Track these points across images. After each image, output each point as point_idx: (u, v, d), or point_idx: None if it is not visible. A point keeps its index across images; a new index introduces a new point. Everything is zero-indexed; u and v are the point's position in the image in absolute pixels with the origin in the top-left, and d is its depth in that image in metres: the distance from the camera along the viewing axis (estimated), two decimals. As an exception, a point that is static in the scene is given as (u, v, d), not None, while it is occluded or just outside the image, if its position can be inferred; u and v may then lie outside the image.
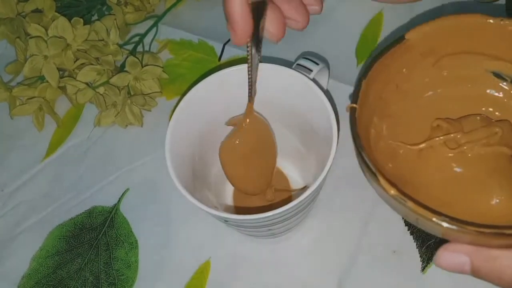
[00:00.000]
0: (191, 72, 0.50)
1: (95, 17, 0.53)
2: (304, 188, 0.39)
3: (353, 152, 0.43)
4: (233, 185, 0.40)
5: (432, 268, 0.38)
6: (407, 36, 0.35)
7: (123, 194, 0.45)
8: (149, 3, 0.53)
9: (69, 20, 0.47)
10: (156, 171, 0.45)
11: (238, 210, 0.41)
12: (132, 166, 0.46)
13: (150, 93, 0.48)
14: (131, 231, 0.43)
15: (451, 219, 0.27)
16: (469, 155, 0.36)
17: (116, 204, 0.44)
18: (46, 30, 0.47)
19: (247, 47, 0.33)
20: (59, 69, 0.47)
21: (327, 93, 0.36)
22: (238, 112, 0.39)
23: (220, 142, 0.39)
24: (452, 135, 0.37)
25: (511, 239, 0.27)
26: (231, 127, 0.40)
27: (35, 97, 0.48)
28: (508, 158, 0.35)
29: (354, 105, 0.32)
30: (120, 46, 0.50)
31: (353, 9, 0.52)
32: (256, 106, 0.38)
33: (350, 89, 0.46)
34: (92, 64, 0.47)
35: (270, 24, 0.34)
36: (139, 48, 0.51)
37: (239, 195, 0.41)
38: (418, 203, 0.29)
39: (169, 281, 0.40)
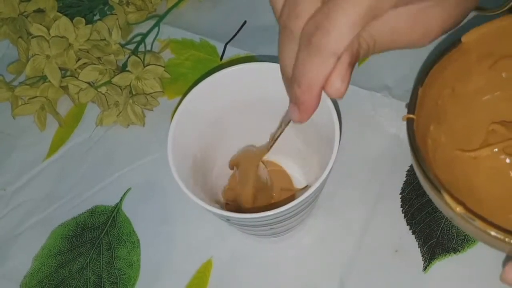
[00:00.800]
0: (193, 72, 0.50)
1: (97, 16, 0.53)
2: (306, 188, 0.40)
3: (354, 151, 0.43)
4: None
5: (433, 268, 0.38)
6: (463, 39, 0.34)
7: (125, 194, 0.45)
8: (151, 2, 0.53)
9: (71, 19, 0.48)
10: (158, 170, 0.45)
11: (238, 209, 0.41)
12: (134, 165, 0.46)
13: (152, 93, 0.48)
14: (133, 230, 0.43)
15: None
16: None
17: (118, 203, 0.44)
18: (48, 30, 0.47)
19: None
20: (61, 69, 0.48)
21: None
22: (240, 111, 0.39)
23: (221, 141, 0.39)
24: (508, 141, 0.36)
25: None
26: (232, 127, 0.40)
27: (37, 96, 0.48)
28: None
29: (412, 115, 0.31)
30: (122, 45, 0.50)
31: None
32: (258, 105, 0.38)
33: (352, 88, 0.46)
34: (94, 64, 0.47)
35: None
36: (141, 48, 0.51)
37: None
38: (487, 221, 0.27)
39: (171, 280, 0.40)
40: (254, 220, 0.32)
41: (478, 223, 0.28)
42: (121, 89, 0.46)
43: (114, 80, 0.46)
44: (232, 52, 0.51)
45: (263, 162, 0.41)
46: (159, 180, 0.45)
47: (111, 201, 0.44)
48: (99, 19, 0.50)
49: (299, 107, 0.28)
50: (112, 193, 0.45)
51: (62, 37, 0.47)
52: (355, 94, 0.46)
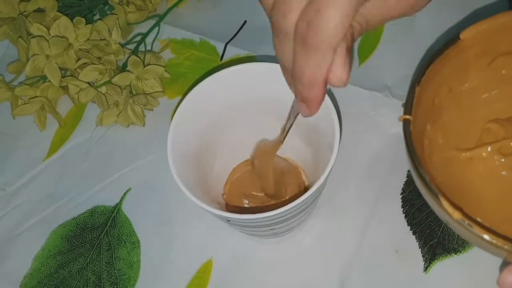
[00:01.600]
0: (193, 72, 0.50)
1: (97, 16, 0.53)
2: (307, 187, 0.40)
3: (355, 151, 0.43)
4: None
5: (434, 268, 0.38)
6: (462, 36, 0.33)
7: (125, 194, 0.45)
8: (151, 2, 0.53)
9: (71, 19, 0.47)
10: (158, 170, 0.45)
11: (238, 209, 0.41)
12: (134, 165, 0.46)
13: (152, 93, 0.48)
14: (133, 231, 0.43)
15: None
16: None
17: (118, 203, 0.44)
18: (48, 29, 0.47)
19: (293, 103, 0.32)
20: (61, 69, 0.48)
21: (329, 91, 0.35)
22: (240, 111, 0.38)
23: (221, 141, 0.39)
24: (503, 141, 0.35)
25: None
26: (232, 128, 0.39)
27: (37, 96, 0.48)
28: None
29: (408, 116, 0.31)
30: (122, 45, 0.50)
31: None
32: (258, 105, 0.38)
33: (352, 88, 0.46)
34: (94, 64, 0.47)
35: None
36: (141, 48, 0.51)
37: (238, 195, 0.41)
38: (485, 228, 0.27)
39: (171, 281, 0.40)
40: (254, 221, 0.32)
41: (476, 229, 0.27)
42: (121, 89, 0.46)
43: (114, 80, 0.46)
44: (232, 52, 0.50)
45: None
46: (159, 180, 0.45)
47: (111, 201, 0.44)
48: (99, 19, 0.50)
49: (306, 103, 0.28)
50: (112, 193, 0.45)
51: (62, 37, 0.47)
52: (355, 94, 0.46)
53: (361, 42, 0.49)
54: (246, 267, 0.40)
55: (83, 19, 0.48)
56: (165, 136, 0.35)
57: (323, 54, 0.25)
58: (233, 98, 0.38)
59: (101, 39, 0.49)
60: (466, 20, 0.48)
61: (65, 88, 0.48)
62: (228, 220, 0.34)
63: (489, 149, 0.36)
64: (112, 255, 0.42)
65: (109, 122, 0.47)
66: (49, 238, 0.44)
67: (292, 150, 0.41)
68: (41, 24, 0.48)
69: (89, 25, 0.48)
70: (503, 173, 0.36)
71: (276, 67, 0.36)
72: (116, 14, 0.50)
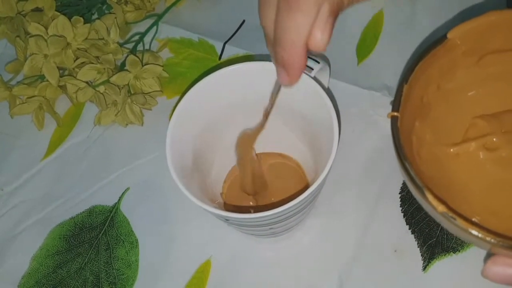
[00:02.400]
0: (192, 71, 0.50)
1: (95, 15, 0.52)
2: (307, 186, 0.39)
3: (353, 150, 0.43)
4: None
5: (433, 267, 0.38)
6: (449, 35, 0.33)
7: (123, 193, 0.45)
8: (149, 1, 0.53)
9: (69, 18, 0.47)
10: (156, 170, 0.45)
11: (237, 209, 0.41)
12: (132, 165, 0.46)
13: (151, 92, 0.48)
14: (131, 230, 0.43)
15: (506, 239, 0.26)
16: (510, 156, 0.36)
17: (116, 203, 0.44)
18: (46, 29, 0.47)
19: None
20: (59, 68, 0.47)
21: (328, 91, 0.35)
22: (238, 110, 0.38)
23: (220, 141, 0.39)
24: (488, 136, 0.36)
25: None
26: (231, 127, 0.39)
27: (35, 96, 0.47)
28: None
29: (396, 113, 0.31)
30: (120, 45, 0.50)
31: (353, 7, 0.51)
32: (257, 105, 0.38)
33: (351, 88, 0.46)
34: (92, 63, 0.47)
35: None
36: (139, 47, 0.50)
37: (237, 194, 0.41)
38: (469, 220, 0.28)
39: (170, 281, 0.40)
40: (253, 220, 0.32)
41: (460, 222, 0.28)
42: (119, 88, 0.46)
43: (112, 79, 0.46)
44: (231, 51, 0.50)
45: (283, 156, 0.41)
46: (157, 180, 0.45)
47: (110, 201, 0.44)
48: (97, 18, 0.50)
49: (286, 69, 0.27)
50: (110, 193, 0.45)
51: (60, 36, 0.47)
52: (354, 94, 0.46)
53: (359, 42, 0.49)
54: (245, 266, 0.40)
55: (81, 18, 0.48)
56: (163, 136, 0.34)
57: (304, 14, 0.24)
58: (231, 98, 0.38)
59: (99, 39, 0.48)
60: (466, 19, 0.48)
61: (63, 88, 0.48)
62: (227, 220, 0.34)
63: (474, 144, 0.37)
64: (111, 255, 0.42)
65: (107, 122, 0.47)
66: (47, 238, 0.43)
67: (292, 149, 0.41)
68: (39, 23, 0.47)
69: (87, 25, 0.48)
70: (489, 167, 0.37)
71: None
72: (114, 13, 0.50)
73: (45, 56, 0.47)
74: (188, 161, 0.36)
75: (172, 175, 0.33)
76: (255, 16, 0.52)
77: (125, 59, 0.48)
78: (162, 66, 0.48)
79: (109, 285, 0.41)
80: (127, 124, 0.47)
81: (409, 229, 0.40)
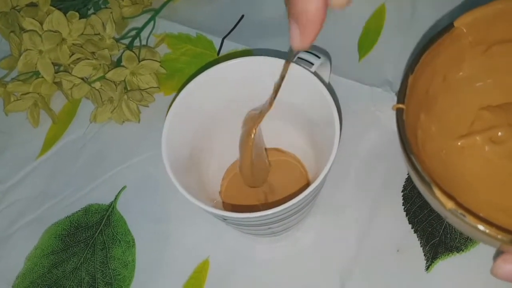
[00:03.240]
0: (190, 67, 0.49)
1: (91, 11, 0.52)
2: (308, 183, 0.39)
3: (355, 147, 0.42)
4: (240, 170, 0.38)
5: (436, 267, 0.38)
6: (456, 24, 0.32)
7: (119, 192, 0.44)
8: (146, -4, 0.52)
9: (65, 14, 0.47)
10: (153, 168, 0.44)
11: (236, 207, 0.40)
12: (129, 163, 0.45)
13: (148, 88, 0.47)
14: (128, 230, 0.42)
15: None
16: None
17: (112, 202, 0.43)
18: (41, 24, 0.46)
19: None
20: (54, 64, 0.47)
21: (328, 87, 0.35)
22: (236, 106, 0.38)
23: (218, 138, 0.38)
24: (494, 129, 0.35)
25: None
26: (229, 123, 0.39)
27: (30, 92, 0.47)
28: None
29: (401, 105, 0.30)
30: (117, 40, 0.49)
31: (355, 1, 0.51)
32: (255, 100, 0.37)
33: (352, 83, 0.45)
34: (88, 59, 0.46)
35: None
36: (136, 42, 0.50)
37: (236, 193, 0.40)
38: (479, 217, 0.27)
39: (167, 281, 0.40)
40: (251, 219, 0.31)
41: (470, 219, 0.27)
42: (115, 85, 0.45)
43: (108, 75, 0.45)
44: (229, 46, 0.50)
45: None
46: (155, 178, 0.44)
47: (106, 200, 0.44)
48: (93, 13, 0.49)
49: (300, 25, 0.25)
50: (106, 192, 0.44)
51: (55, 31, 0.46)
52: (355, 90, 0.45)
53: (361, 37, 0.48)
54: (244, 266, 0.39)
55: (77, 14, 0.47)
56: (160, 133, 0.34)
57: None
58: (229, 93, 0.37)
59: (95, 34, 0.48)
60: (460, 6, 0.48)
61: (58, 84, 0.47)
62: (225, 219, 0.33)
63: (480, 137, 0.36)
64: (107, 254, 0.41)
65: (103, 119, 0.46)
66: (42, 237, 0.43)
67: (292, 146, 0.41)
68: (34, 18, 0.47)
69: (83, 20, 0.47)
70: (495, 161, 0.36)
71: (275, 61, 0.36)
72: (110, 8, 0.49)
73: (40, 52, 0.46)
74: (185, 159, 0.35)
75: (168, 173, 0.32)
76: (254, 11, 0.52)
77: (121, 55, 0.47)
78: (160, 62, 0.48)
79: (105, 285, 0.40)
80: (123, 121, 0.46)
81: (412, 228, 0.39)
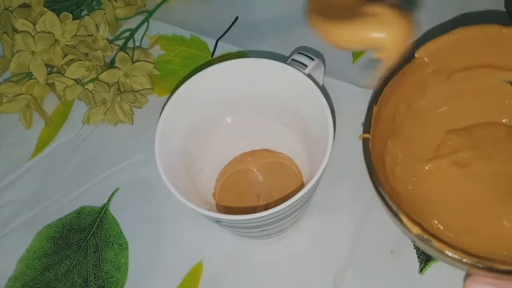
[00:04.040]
0: (183, 68, 0.49)
1: (85, 12, 0.51)
2: (302, 185, 0.39)
3: (349, 150, 0.42)
4: None
5: (430, 269, 0.38)
6: (417, 54, 0.34)
7: (112, 194, 0.44)
8: (140, -3, 0.52)
9: (58, 15, 0.46)
10: (146, 170, 0.44)
11: (230, 209, 0.40)
12: (122, 165, 0.45)
13: (141, 90, 0.47)
14: (120, 232, 0.42)
15: (483, 259, 0.27)
16: (481, 173, 0.36)
17: (105, 204, 0.43)
18: (34, 25, 0.46)
19: None
20: (47, 65, 0.46)
21: (322, 88, 0.35)
22: (230, 108, 0.38)
23: (211, 140, 0.38)
24: (459, 152, 0.36)
25: None
26: (222, 125, 0.39)
27: (22, 94, 0.47)
28: None
29: (367, 135, 0.31)
30: (110, 41, 0.49)
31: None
32: (249, 102, 0.37)
33: (346, 86, 0.45)
34: (81, 60, 0.46)
35: None
36: (130, 44, 0.49)
37: (229, 195, 0.40)
38: (445, 242, 0.28)
39: (160, 283, 0.39)
40: (245, 221, 0.31)
41: (435, 243, 0.28)
42: (108, 86, 0.45)
43: (102, 76, 0.45)
44: (223, 48, 0.49)
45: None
46: (148, 180, 0.44)
47: (98, 202, 0.43)
48: (87, 14, 0.49)
49: None
50: (99, 194, 0.44)
51: (48, 32, 0.46)
52: (349, 92, 0.45)
53: (355, 39, 0.48)
54: (238, 269, 0.39)
55: (70, 15, 0.47)
56: (154, 135, 0.34)
57: None
58: (223, 95, 0.37)
59: (88, 35, 0.48)
60: (461, 16, 0.48)
61: (51, 85, 0.47)
62: (219, 221, 0.33)
63: (446, 160, 0.37)
64: (99, 257, 0.41)
65: (96, 120, 0.46)
66: (35, 239, 0.42)
67: (287, 147, 0.41)
68: (26, 19, 0.46)
69: (76, 21, 0.47)
70: (461, 183, 0.37)
71: (269, 62, 0.36)
72: (104, 9, 0.49)
73: (33, 53, 0.46)
74: (178, 161, 0.35)
75: (161, 175, 0.32)
76: (248, 13, 0.52)
77: (115, 56, 0.47)
78: (153, 63, 0.48)
79: (97, 288, 0.40)
80: (116, 123, 0.46)
81: (406, 230, 0.39)
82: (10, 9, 0.49)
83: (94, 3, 0.52)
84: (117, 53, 0.46)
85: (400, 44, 0.29)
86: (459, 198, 0.36)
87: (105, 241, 0.41)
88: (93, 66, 0.46)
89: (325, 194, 0.40)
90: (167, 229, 0.41)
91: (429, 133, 0.37)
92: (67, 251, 0.42)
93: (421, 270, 0.38)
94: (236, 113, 0.38)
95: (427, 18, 0.47)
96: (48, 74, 0.46)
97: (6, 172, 0.46)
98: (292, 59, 0.37)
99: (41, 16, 0.46)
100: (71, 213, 0.43)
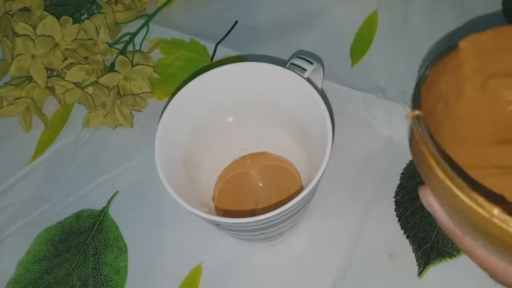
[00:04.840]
0: (183, 72, 0.49)
1: (85, 16, 0.52)
2: (301, 189, 0.39)
3: (347, 153, 0.42)
4: None
5: (429, 272, 0.38)
6: (460, 45, 0.29)
7: (112, 197, 0.44)
8: (140, 1, 0.52)
9: (58, 18, 0.46)
10: (146, 173, 0.44)
11: (229, 212, 0.40)
12: (121, 168, 0.45)
13: (141, 93, 0.47)
14: (120, 235, 0.42)
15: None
16: None
17: (105, 207, 0.43)
18: (34, 28, 0.46)
19: None
20: (47, 69, 0.46)
21: (321, 92, 0.35)
22: (229, 112, 0.38)
23: (210, 143, 0.38)
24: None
25: None
26: (221, 128, 0.39)
27: (22, 97, 0.47)
28: None
29: (418, 111, 0.26)
30: (110, 45, 0.49)
31: (347, 8, 0.51)
32: (248, 105, 0.37)
33: (345, 89, 0.45)
34: (81, 64, 0.46)
35: None
36: (130, 48, 0.50)
37: (229, 198, 0.40)
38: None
39: (159, 287, 0.39)
40: (244, 225, 0.31)
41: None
42: (108, 90, 0.45)
43: (101, 80, 0.45)
44: (223, 52, 0.50)
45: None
46: (147, 183, 0.44)
47: (98, 205, 0.43)
48: (87, 18, 0.49)
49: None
50: (99, 197, 0.44)
51: (48, 36, 0.46)
52: (348, 95, 0.45)
53: (353, 43, 0.49)
54: (237, 272, 0.39)
55: (70, 18, 0.47)
56: (153, 138, 0.34)
57: None
58: (222, 99, 0.37)
59: (88, 39, 0.48)
60: (460, 21, 0.48)
61: (51, 89, 0.47)
62: (218, 224, 0.33)
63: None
64: (99, 260, 0.41)
65: (96, 124, 0.46)
66: (34, 242, 0.42)
67: (286, 151, 0.41)
68: (27, 23, 0.47)
69: (76, 25, 0.47)
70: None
71: (268, 66, 0.36)
72: (104, 13, 0.49)
73: (33, 56, 0.46)
74: (178, 164, 0.35)
75: (161, 178, 0.32)
76: (248, 17, 0.52)
77: (114, 60, 0.47)
78: (153, 67, 0.48)
79: (97, 292, 0.40)
80: (116, 126, 0.46)
81: (404, 233, 0.39)
82: (10, 12, 0.49)
83: (94, 7, 0.52)
84: (117, 56, 0.46)
85: None
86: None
87: (105, 244, 0.41)
88: (93, 69, 0.46)
89: (324, 197, 0.40)
90: (166, 232, 0.41)
91: (463, 142, 0.32)
92: (67, 254, 0.42)
93: (420, 273, 0.38)
94: (235, 117, 0.38)
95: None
96: (48, 77, 0.47)
97: (5, 175, 0.46)
98: (291, 63, 0.37)
99: (41, 20, 0.46)
100: (71, 216, 0.43)
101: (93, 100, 0.46)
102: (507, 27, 0.29)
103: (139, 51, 0.49)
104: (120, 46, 0.50)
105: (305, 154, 0.39)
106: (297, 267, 0.39)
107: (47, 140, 0.48)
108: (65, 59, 0.47)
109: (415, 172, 0.41)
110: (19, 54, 0.46)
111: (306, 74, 0.36)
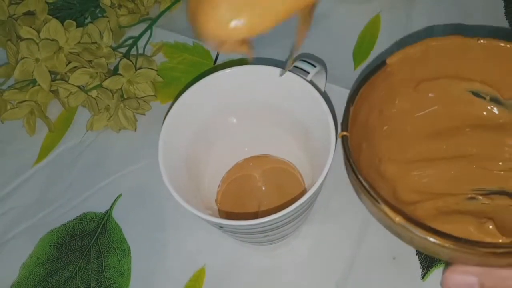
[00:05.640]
0: (186, 76, 0.49)
1: (88, 19, 0.52)
2: (304, 191, 0.39)
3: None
4: None
5: (432, 275, 0.38)
6: (388, 61, 0.35)
7: (115, 200, 0.44)
8: (144, 5, 0.52)
9: (62, 22, 0.47)
10: (149, 176, 0.44)
11: (232, 215, 0.40)
12: (125, 171, 0.45)
13: (144, 97, 0.47)
14: (123, 238, 0.42)
15: (465, 241, 0.26)
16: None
17: (108, 210, 0.43)
18: (38, 32, 0.46)
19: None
20: (51, 72, 0.47)
21: (324, 95, 0.35)
22: (232, 115, 0.38)
23: (214, 146, 0.38)
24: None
25: None
26: (224, 131, 0.39)
27: (26, 100, 0.47)
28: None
29: (345, 133, 0.32)
30: (114, 49, 0.49)
31: (350, 11, 0.51)
32: (251, 108, 0.37)
33: (348, 92, 0.46)
34: (84, 67, 0.46)
35: None
36: (133, 51, 0.50)
37: (232, 200, 0.40)
38: (426, 227, 0.28)
39: (163, 289, 0.39)
40: (247, 227, 0.31)
41: (419, 231, 0.28)
42: (112, 93, 0.46)
43: (105, 83, 0.45)
44: (226, 55, 0.50)
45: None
46: (151, 186, 0.44)
47: (101, 208, 0.43)
48: (90, 22, 0.49)
49: None
50: (102, 200, 0.44)
51: (52, 40, 0.46)
52: (351, 98, 0.45)
53: (356, 46, 0.49)
54: (240, 275, 0.39)
55: (74, 22, 0.47)
56: (157, 141, 0.34)
57: None
58: (225, 102, 0.37)
59: (92, 42, 0.48)
60: (462, 25, 0.48)
61: (55, 92, 0.47)
62: (221, 227, 0.33)
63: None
64: (102, 263, 0.41)
65: (99, 127, 0.46)
66: (38, 245, 0.42)
67: (289, 153, 0.41)
68: (31, 27, 0.47)
69: (80, 28, 0.47)
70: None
71: (271, 69, 0.36)
72: (107, 17, 0.50)
73: (37, 60, 0.46)
74: (181, 167, 0.35)
75: (164, 181, 0.32)
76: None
77: (118, 63, 0.47)
78: (156, 70, 0.48)
79: (100, 294, 0.40)
80: (120, 129, 0.46)
81: (408, 236, 0.39)
82: (14, 16, 0.49)
83: (97, 11, 0.52)
84: (120, 60, 0.47)
85: None
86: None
87: (108, 247, 0.41)
88: (97, 73, 0.46)
89: (327, 200, 0.40)
90: (170, 235, 0.41)
91: (400, 140, 0.38)
92: (70, 257, 0.42)
93: (423, 276, 0.38)
94: (238, 120, 0.38)
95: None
96: (52, 81, 0.47)
97: (9, 178, 0.46)
98: (294, 66, 0.37)
99: (45, 24, 0.46)
100: (74, 219, 0.43)
101: (96, 103, 0.46)
102: (432, 39, 0.35)
103: (143, 54, 0.50)
104: (123, 49, 0.50)
105: (308, 156, 0.39)
106: (300, 270, 0.39)
107: (50, 143, 0.48)
108: (69, 63, 0.47)
109: (418, 175, 0.41)
110: (23, 58, 0.46)
111: (309, 77, 0.36)
